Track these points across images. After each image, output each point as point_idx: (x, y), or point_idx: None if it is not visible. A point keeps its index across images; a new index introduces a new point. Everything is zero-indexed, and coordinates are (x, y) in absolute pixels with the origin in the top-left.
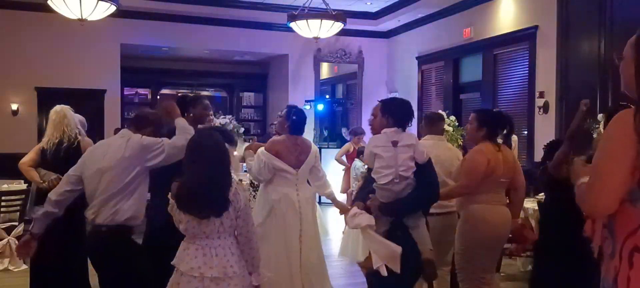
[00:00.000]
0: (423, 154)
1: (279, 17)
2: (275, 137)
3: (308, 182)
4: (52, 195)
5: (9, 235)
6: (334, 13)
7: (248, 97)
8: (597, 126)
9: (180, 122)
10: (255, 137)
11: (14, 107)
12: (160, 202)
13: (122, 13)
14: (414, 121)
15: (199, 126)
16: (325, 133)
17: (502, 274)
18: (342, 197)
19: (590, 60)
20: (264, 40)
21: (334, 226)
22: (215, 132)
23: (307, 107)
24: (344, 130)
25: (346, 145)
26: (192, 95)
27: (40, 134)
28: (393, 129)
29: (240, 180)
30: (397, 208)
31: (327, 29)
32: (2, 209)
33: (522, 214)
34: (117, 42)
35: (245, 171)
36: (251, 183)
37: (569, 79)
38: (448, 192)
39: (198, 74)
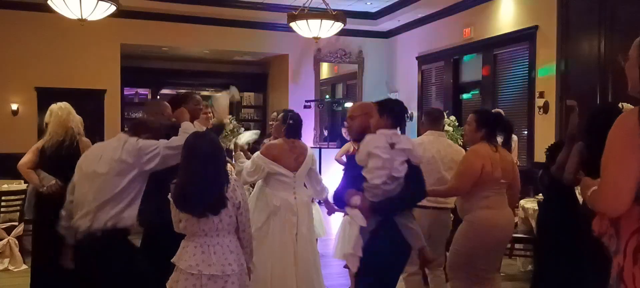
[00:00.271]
0: (419, 158)
1: (279, 17)
2: (271, 141)
3: (304, 185)
4: (62, 211)
5: (9, 235)
6: (334, 13)
7: (248, 97)
8: None
9: (184, 125)
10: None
11: (14, 107)
12: (156, 201)
13: (122, 13)
14: (414, 118)
15: (195, 122)
16: (325, 133)
17: (502, 274)
18: None
19: (590, 60)
20: (264, 40)
21: (333, 227)
22: (210, 132)
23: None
24: (344, 130)
25: (346, 145)
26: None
27: (40, 134)
28: (391, 130)
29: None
30: (388, 207)
31: (327, 29)
32: (2, 209)
33: (522, 214)
34: (117, 42)
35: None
36: None
37: (569, 79)
38: (438, 191)
39: (198, 74)
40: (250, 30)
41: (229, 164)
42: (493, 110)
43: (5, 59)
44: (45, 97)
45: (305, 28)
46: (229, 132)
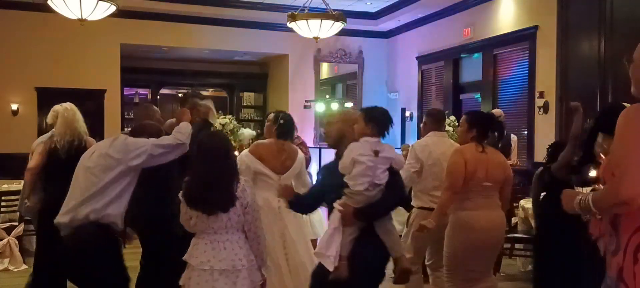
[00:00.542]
0: (402, 163)
1: (279, 17)
2: (261, 141)
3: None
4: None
5: (9, 235)
6: (334, 13)
7: (248, 97)
8: None
9: (181, 125)
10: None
11: (14, 107)
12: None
13: (122, 13)
14: (415, 118)
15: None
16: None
17: (502, 274)
18: None
19: (590, 60)
20: (264, 40)
21: None
22: (220, 132)
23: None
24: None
25: None
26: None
27: (40, 134)
28: (375, 138)
29: None
30: (370, 213)
31: (327, 29)
32: (2, 209)
33: (522, 214)
34: (117, 42)
35: None
36: None
37: (569, 79)
38: (441, 203)
39: (198, 74)
40: (250, 30)
41: None
42: (493, 110)
43: (5, 59)
44: (45, 97)
45: (305, 28)
46: (229, 132)
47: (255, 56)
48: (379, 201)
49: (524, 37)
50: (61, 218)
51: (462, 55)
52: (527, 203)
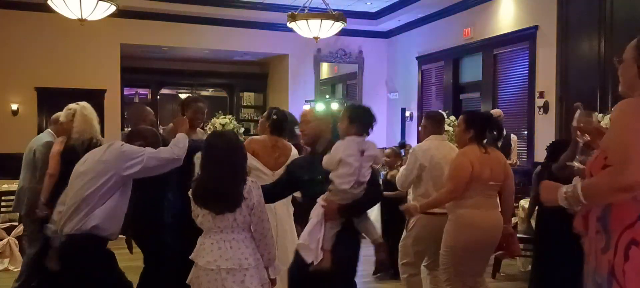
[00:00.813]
0: (381, 162)
1: (279, 17)
2: (254, 137)
3: None
4: (55, 216)
5: (9, 235)
6: (334, 13)
7: (248, 97)
8: None
9: (178, 137)
10: None
11: (14, 107)
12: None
13: (122, 13)
14: (414, 119)
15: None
16: None
17: (502, 274)
18: None
19: (590, 60)
20: (264, 40)
21: None
22: (230, 132)
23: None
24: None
25: None
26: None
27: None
28: (360, 137)
29: None
30: (354, 209)
31: (327, 29)
32: (2, 209)
33: (522, 214)
34: (117, 42)
35: None
36: None
37: (569, 79)
38: (437, 199)
39: (198, 74)
40: (250, 30)
41: None
42: (492, 110)
43: (5, 59)
44: (45, 97)
45: (305, 28)
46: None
47: (255, 56)
48: (363, 198)
49: (524, 37)
50: (54, 225)
51: (454, 57)
52: (527, 203)
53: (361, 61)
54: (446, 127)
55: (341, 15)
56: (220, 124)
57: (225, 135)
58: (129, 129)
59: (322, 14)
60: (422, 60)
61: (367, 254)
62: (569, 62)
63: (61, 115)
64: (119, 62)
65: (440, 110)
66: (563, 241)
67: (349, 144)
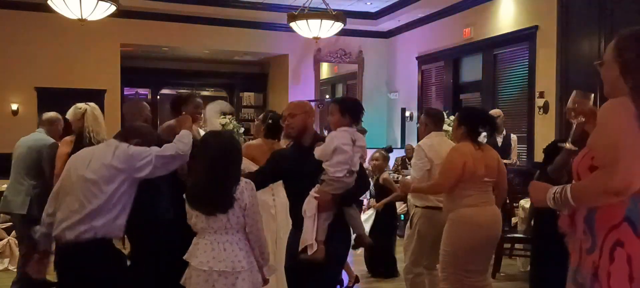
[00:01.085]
0: (366, 153)
1: (279, 17)
2: (251, 141)
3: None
4: (45, 218)
5: (9, 235)
6: (334, 13)
7: (248, 97)
8: None
9: (182, 133)
10: None
11: (14, 107)
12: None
13: (122, 13)
14: (415, 118)
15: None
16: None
17: (502, 274)
18: None
19: (590, 60)
20: (264, 40)
21: None
22: (225, 132)
23: None
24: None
25: None
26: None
27: None
28: (353, 128)
29: None
30: (348, 197)
31: (327, 29)
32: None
33: (522, 214)
34: (117, 42)
35: None
36: None
37: (569, 79)
38: (426, 188)
39: (198, 74)
40: (250, 30)
41: None
42: (492, 111)
43: (5, 59)
44: (45, 97)
45: (305, 28)
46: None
47: (255, 56)
48: (355, 187)
49: (524, 37)
50: (64, 233)
51: (454, 57)
52: (527, 203)
53: (361, 61)
54: (445, 127)
55: (341, 15)
56: (220, 124)
57: (220, 135)
58: (124, 126)
59: (322, 13)
60: (422, 60)
61: (362, 253)
62: (569, 62)
63: (68, 113)
64: (119, 62)
65: (439, 109)
66: (561, 241)
67: (343, 133)
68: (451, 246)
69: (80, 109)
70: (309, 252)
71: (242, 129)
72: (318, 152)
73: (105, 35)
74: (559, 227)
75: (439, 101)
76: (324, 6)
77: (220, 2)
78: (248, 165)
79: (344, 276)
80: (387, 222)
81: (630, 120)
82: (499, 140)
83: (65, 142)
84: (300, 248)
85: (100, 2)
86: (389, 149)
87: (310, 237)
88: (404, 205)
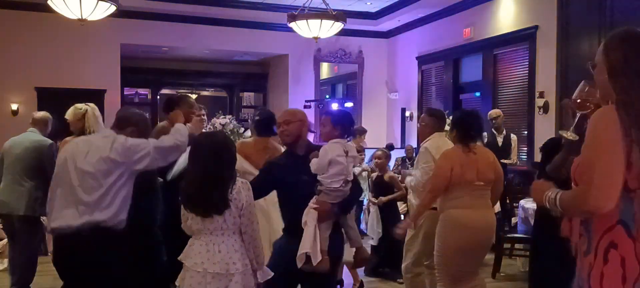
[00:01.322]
0: (360, 162)
1: (279, 17)
2: (244, 140)
3: None
4: (47, 208)
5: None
6: (334, 13)
7: (248, 97)
8: None
9: (177, 126)
10: None
11: (14, 107)
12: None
13: (122, 13)
14: (414, 118)
15: (188, 124)
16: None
17: (502, 274)
18: None
19: (590, 60)
20: (264, 40)
21: None
22: (220, 133)
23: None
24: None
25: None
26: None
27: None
28: (344, 139)
29: None
30: (346, 206)
31: (327, 29)
32: None
33: (522, 214)
34: (117, 42)
35: None
36: None
37: (569, 79)
38: (421, 205)
39: (198, 74)
40: (250, 30)
41: None
42: (491, 111)
43: (5, 59)
44: (45, 97)
45: (305, 28)
46: (229, 132)
47: (255, 56)
48: (351, 195)
49: (524, 37)
50: (61, 223)
51: (454, 57)
52: (527, 203)
53: (361, 61)
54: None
55: (341, 15)
56: (220, 123)
57: (213, 135)
58: (117, 116)
59: (322, 13)
60: (422, 60)
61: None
62: (569, 62)
63: (68, 113)
64: (119, 62)
65: (440, 109)
66: (561, 242)
67: (335, 146)
68: (441, 246)
69: (80, 109)
70: (314, 263)
71: (242, 129)
72: (314, 166)
73: (105, 35)
74: (561, 232)
75: (439, 101)
76: (324, 6)
77: (220, 2)
78: (241, 163)
79: (345, 276)
80: (394, 225)
81: (614, 134)
82: (499, 140)
83: (65, 142)
84: (298, 258)
85: (100, 2)
86: (391, 147)
87: (312, 247)
88: (405, 205)
